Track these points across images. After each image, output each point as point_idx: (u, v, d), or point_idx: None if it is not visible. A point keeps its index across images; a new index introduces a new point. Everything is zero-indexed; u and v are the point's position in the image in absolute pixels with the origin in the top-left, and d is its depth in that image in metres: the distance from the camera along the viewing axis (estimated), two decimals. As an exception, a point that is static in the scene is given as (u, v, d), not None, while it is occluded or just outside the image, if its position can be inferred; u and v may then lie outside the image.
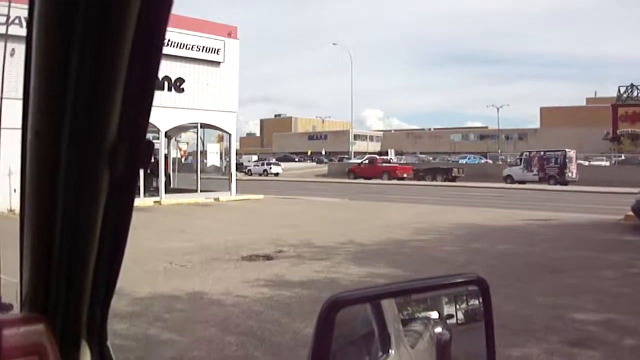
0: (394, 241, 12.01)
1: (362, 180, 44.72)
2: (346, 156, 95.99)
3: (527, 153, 40.74)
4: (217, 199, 22.62)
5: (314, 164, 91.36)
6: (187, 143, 26.16)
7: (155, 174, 21.61)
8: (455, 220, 16.01)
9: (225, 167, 25.48)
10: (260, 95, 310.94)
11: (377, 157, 56.36)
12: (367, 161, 52.07)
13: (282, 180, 48.48)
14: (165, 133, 22.04)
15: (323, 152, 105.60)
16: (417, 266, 9.12)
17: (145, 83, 0.87)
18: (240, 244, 11.44)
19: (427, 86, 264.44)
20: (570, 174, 37.89)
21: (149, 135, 0.95)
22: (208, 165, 24.71)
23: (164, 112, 20.67)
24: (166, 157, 23.75)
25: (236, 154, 25.96)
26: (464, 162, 59.79)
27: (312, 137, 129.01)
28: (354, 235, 12.90)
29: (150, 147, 0.92)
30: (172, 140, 25.40)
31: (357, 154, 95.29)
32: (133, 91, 0.86)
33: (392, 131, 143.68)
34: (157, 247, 11.02)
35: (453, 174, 45.01)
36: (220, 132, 25.12)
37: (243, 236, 12.64)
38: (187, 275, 8.62)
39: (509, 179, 39.86)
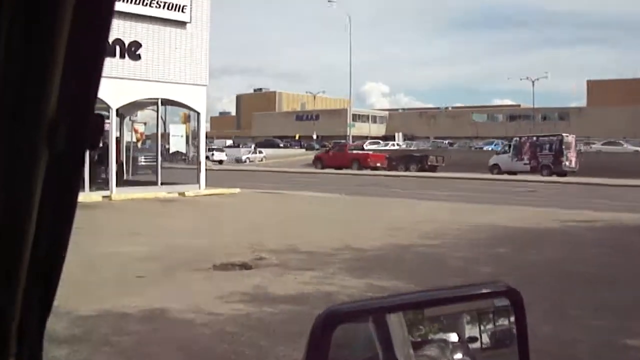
0: (399, 246, 12.06)
1: (358, 171, 45.22)
2: (343, 141, 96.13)
3: (517, 139, 42.14)
4: (182, 194, 22.59)
5: (303, 150, 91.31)
6: (145, 124, 26.09)
7: (105, 162, 21.51)
8: (470, 220, 16.09)
9: (192, 154, 25.38)
10: (237, 65, 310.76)
11: (346, 143, 59.90)
12: (336, 148, 54.41)
13: (264, 170, 48.51)
14: (117, 111, 21.95)
15: (314, 137, 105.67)
16: (428, 278, 9.15)
17: (92, 47, 0.87)
18: (211, 250, 11.43)
19: (443, 55, 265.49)
20: (567, 163, 38.88)
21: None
22: (171, 151, 24.63)
23: (116, 84, 20.50)
24: (118, 141, 23.63)
25: (206, 137, 25.88)
26: (490, 149, 59.72)
27: (300, 117, 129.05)
28: (350, 238, 12.92)
29: (99, 122, 0.92)
30: (126, 120, 25.29)
31: (356, 138, 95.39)
32: (77, 57, 0.87)
33: (400, 110, 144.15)
34: (106, 252, 11.00)
35: (430, 163, 45.72)
36: (187, 111, 24.97)
37: (215, 239, 12.63)
38: (144, 287, 8.60)
39: (495, 168, 41.09)
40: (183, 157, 25.49)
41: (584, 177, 35.12)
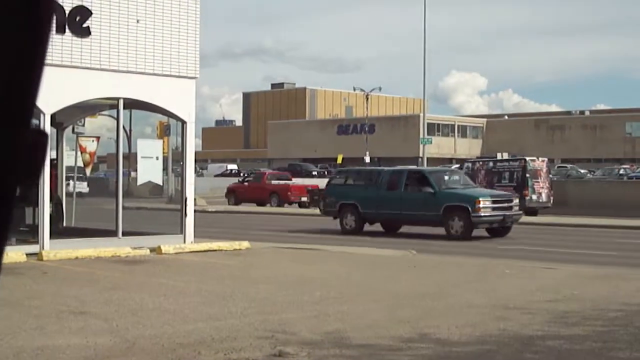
0: (514, 338, 11.90)
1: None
2: (413, 166, 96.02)
3: (470, 164, 49.03)
4: (156, 250, 22.62)
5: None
6: (97, 138, 26.23)
7: (31, 198, 21.63)
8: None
9: (173, 188, 25.47)
10: (244, 44, 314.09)
11: (265, 171, 69.78)
12: (251, 177, 63.80)
13: (287, 214, 48.70)
14: (53, 118, 22.13)
15: (367, 159, 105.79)
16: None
17: (20, 18, 0.96)
18: (204, 339, 11.41)
19: (579, 24, 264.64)
20: (534, 196, 44.40)
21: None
22: (140, 182, 24.73)
23: (50, 75, 20.63)
24: (54, 165, 23.77)
25: (195, 160, 25.90)
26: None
27: (344, 128, 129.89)
28: (428, 322, 12.88)
29: (41, 140, 1.00)
30: (67, 133, 25.45)
31: (435, 161, 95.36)
32: None
33: (506, 117, 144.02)
34: (34, 345, 10.92)
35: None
36: (165, 118, 25.11)
37: (211, 323, 12.61)
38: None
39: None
40: (159, 192, 25.58)
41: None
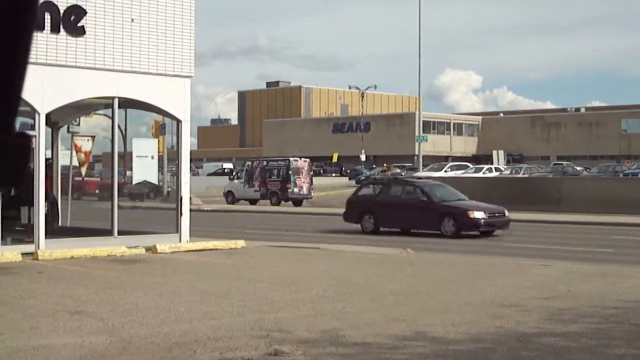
0: (510, 336, 11.89)
1: None
2: (409, 164, 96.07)
3: (250, 163, 59.63)
4: (152, 249, 22.59)
5: (346, 179, 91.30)
6: (92, 138, 26.19)
7: (27, 198, 21.59)
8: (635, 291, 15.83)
9: (168, 187, 25.40)
10: (239, 43, 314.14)
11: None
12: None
13: (282, 212, 48.66)
14: (48, 117, 22.10)
15: (362, 157, 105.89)
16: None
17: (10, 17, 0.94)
18: (200, 339, 11.38)
19: (574, 19, 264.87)
20: (297, 190, 55.27)
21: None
22: (135, 181, 24.68)
23: (44, 74, 20.62)
24: (49, 165, 23.71)
25: (191, 159, 25.88)
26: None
27: (340, 126, 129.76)
28: (424, 320, 12.89)
29: (23, 144, 1.08)
30: (62, 132, 25.40)
31: (430, 159, 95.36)
32: None
33: (501, 115, 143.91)
34: (29, 345, 10.90)
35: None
36: (160, 117, 25.02)
37: (206, 322, 12.58)
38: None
39: (229, 196, 58.36)
40: (154, 191, 25.53)
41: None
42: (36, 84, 20.24)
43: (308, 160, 59.62)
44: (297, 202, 55.03)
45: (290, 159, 57.97)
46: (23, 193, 21.51)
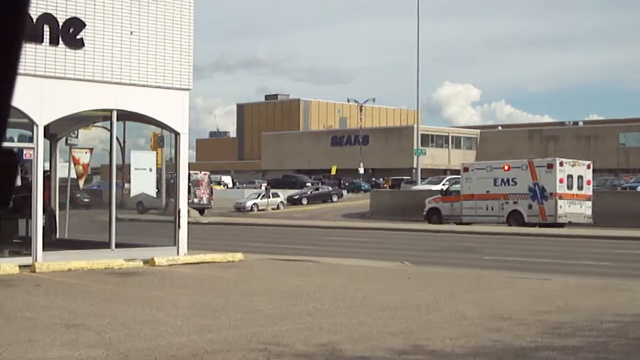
0: (507, 350, 11.85)
1: (433, 227, 46.33)
2: (407, 177, 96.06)
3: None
4: (150, 262, 22.56)
5: (344, 192, 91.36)
6: (91, 150, 26.16)
7: (25, 210, 21.56)
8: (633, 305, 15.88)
9: (166, 199, 25.35)
10: (238, 56, 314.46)
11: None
12: None
13: (281, 225, 48.70)
14: (46, 130, 22.07)
15: (361, 170, 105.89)
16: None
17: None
18: (197, 352, 11.36)
19: (572, 34, 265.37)
20: (195, 199, 58.56)
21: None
22: (133, 194, 24.65)
23: (43, 87, 20.61)
24: (47, 177, 23.66)
25: (189, 171, 25.88)
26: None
27: (339, 139, 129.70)
28: (420, 333, 12.86)
29: (11, 161, 1.02)
30: (60, 145, 25.36)
31: (428, 172, 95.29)
32: None
33: (500, 128, 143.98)
34: (26, 358, 10.89)
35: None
36: (159, 130, 25.00)
37: (204, 335, 12.56)
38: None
39: (140, 206, 58.22)
40: (152, 204, 25.50)
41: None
42: (35, 96, 20.24)
43: (208, 173, 69.00)
44: (200, 211, 60.74)
45: (191, 172, 59.50)
46: (21, 205, 21.50)
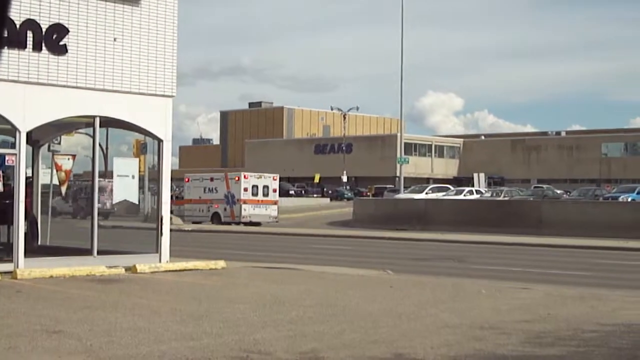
0: (488, 357, 11.88)
1: (415, 235, 45.77)
2: (390, 186, 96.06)
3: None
4: (132, 269, 22.46)
5: (327, 200, 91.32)
6: (73, 156, 26.05)
7: (6, 216, 21.47)
8: (616, 314, 15.93)
9: (149, 206, 25.30)
10: (222, 63, 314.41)
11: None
12: None
13: (263, 232, 48.63)
14: (29, 136, 21.98)
15: (344, 178, 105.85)
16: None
17: None
18: (178, 359, 11.30)
19: (554, 43, 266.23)
20: (100, 205, 60.21)
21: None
22: (115, 200, 24.58)
23: (26, 93, 20.54)
24: (29, 183, 23.55)
25: (172, 178, 25.78)
26: (629, 199, 59.98)
27: (322, 147, 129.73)
28: (402, 342, 12.85)
29: None
30: (43, 151, 25.26)
31: (411, 181, 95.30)
32: None
33: (482, 137, 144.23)
34: (6, 365, 10.78)
35: None
36: (141, 136, 24.93)
37: (185, 343, 12.53)
38: None
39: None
40: (134, 211, 25.43)
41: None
42: (17, 102, 20.19)
43: (110, 180, 69.03)
44: (105, 215, 61.75)
45: (99, 179, 64.24)
46: (3, 211, 21.42)
